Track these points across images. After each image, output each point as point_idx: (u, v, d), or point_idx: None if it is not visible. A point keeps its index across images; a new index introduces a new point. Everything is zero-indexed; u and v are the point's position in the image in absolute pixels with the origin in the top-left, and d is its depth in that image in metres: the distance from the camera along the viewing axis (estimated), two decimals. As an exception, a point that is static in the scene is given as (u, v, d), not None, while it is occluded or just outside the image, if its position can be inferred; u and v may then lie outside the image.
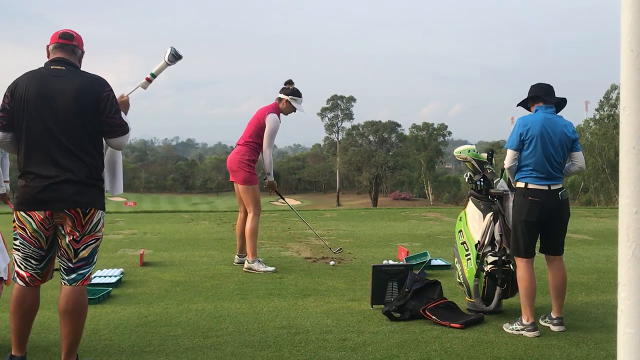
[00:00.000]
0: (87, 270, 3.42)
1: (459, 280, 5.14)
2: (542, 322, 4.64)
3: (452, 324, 4.51)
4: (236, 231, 7.07)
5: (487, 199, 5.09)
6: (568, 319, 4.67)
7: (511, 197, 4.86)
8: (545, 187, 4.46)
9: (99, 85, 3.46)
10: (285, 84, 6.89)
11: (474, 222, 5.09)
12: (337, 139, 79.99)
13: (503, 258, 4.90)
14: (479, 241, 4.97)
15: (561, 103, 4.70)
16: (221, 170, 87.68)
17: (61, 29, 3.56)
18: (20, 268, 3.39)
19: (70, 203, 3.30)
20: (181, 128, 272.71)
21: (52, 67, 3.42)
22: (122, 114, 3.56)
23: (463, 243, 5.12)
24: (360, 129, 78.51)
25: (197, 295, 5.50)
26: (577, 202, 50.34)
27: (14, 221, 3.39)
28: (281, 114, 6.80)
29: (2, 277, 3.99)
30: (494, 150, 5.89)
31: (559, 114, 4.65)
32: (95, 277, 5.94)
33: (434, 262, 6.94)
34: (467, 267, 5.02)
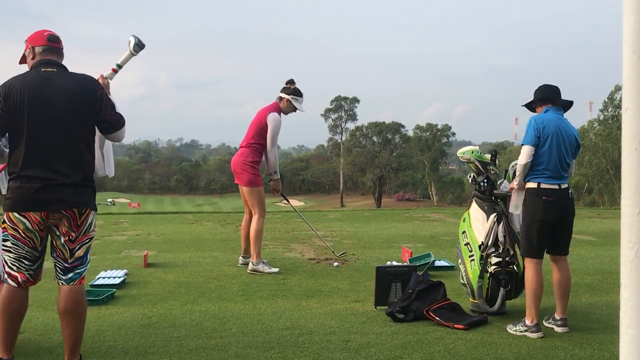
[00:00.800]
0: (83, 269, 3.46)
1: (462, 281, 5.14)
2: (545, 324, 4.63)
3: (455, 325, 4.51)
4: (241, 232, 7.07)
5: (491, 200, 5.08)
6: (572, 320, 4.66)
7: (513, 197, 4.82)
8: (557, 186, 4.47)
9: (93, 85, 3.50)
10: (287, 83, 6.89)
11: (478, 223, 5.09)
12: (341, 140, 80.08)
13: (507, 259, 4.90)
14: (482, 242, 4.97)
15: (567, 105, 4.72)
16: (225, 171, 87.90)
17: (44, 31, 3.54)
18: (13, 269, 3.37)
19: (68, 203, 3.32)
20: (185, 129, 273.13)
21: (43, 69, 3.41)
22: (116, 107, 3.59)
23: (467, 244, 5.12)
24: (364, 130, 78.55)
25: (200, 296, 5.51)
26: (581, 203, 50.19)
27: (3, 222, 3.39)
28: (282, 113, 6.81)
29: None
30: (498, 151, 5.88)
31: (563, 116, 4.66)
32: (99, 278, 5.96)
33: (438, 263, 6.93)
34: (470, 268, 5.02)
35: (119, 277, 5.96)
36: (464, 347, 4.07)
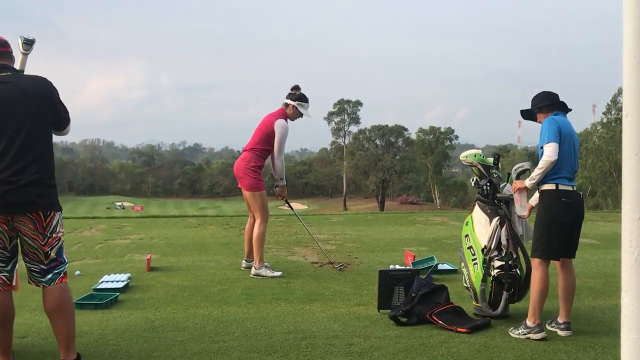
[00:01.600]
0: (62, 267, 3.51)
1: (465, 285, 5.14)
2: (548, 327, 4.62)
3: (458, 329, 4.51)
4: (244, 236, 7.08)
5: (494, 203, 5.08)
6: (575, 324, 4.66)
7: (518, 198, 4.81)
8: (571, 188, 4.50)
9: (50, 86, 3.58)
10: (292, 89, 6.89)
11: (481, 227, 5.09)
12: (344, 143, 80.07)
13: (510, 262, 4.89)
14: (485, 246, 4.97)
15: (568, 110, 4.74)
16: (228, 174, 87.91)
17: None
18: None
19: (33, 206, 3.36)
20: (188, 132, 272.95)
21: None
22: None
23: (470, 247, 5.12)
24: (367, 133, 78.55)
25: (204, 300, 5.51)
26: (585, 205, 50.03)
27: None
28: (288, 120, 6.81)
29: None
30: (501, 154, 5.88)
31: None
32: (102, 282, 5.98)
33: (441, 267, 6.93)
34: (473, 272, 5.02)
35: (122, 281, 5.97)
36: (467, 351, 4.06)
